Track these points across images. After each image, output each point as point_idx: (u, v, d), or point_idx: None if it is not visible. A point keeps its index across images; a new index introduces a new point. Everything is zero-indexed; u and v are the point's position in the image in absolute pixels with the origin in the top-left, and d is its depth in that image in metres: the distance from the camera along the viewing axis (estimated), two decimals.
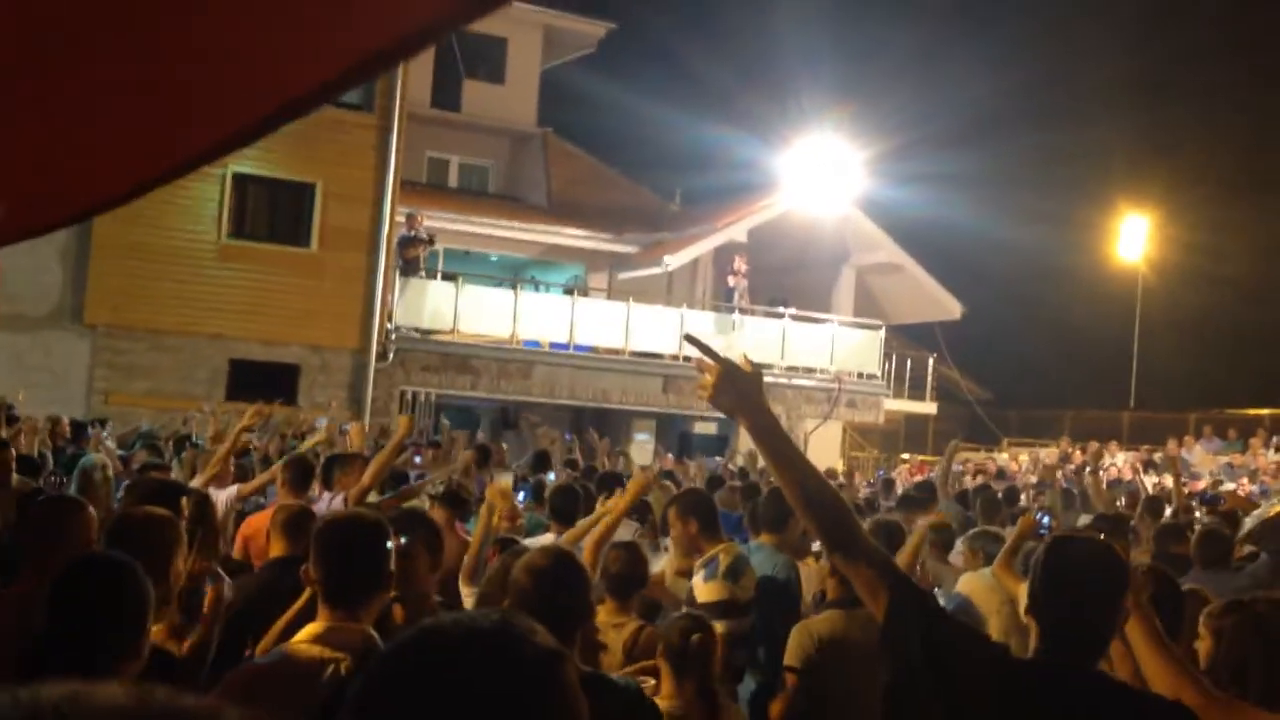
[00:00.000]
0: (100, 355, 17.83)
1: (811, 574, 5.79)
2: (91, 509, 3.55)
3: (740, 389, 2.48)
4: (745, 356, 2.56)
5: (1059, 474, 14.66)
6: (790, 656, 4.59)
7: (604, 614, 4.35)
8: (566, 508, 6.11)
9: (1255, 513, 6.13)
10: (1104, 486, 13.02)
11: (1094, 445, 22.81)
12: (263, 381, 18.32)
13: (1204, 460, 21.41)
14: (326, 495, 6.59)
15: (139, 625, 2.55)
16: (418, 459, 10.39)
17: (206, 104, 1.32)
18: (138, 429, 13.60)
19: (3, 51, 1.24)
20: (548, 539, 5.70)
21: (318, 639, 2.81)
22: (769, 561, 5.37)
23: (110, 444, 10.59)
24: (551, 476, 7.93)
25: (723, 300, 23.41)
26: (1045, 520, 8.16)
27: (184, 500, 4.29)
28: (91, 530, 3.46)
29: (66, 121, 1.39)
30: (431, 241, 20.52)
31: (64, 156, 1.47)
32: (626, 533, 6.52)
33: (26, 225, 1.77)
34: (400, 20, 1.11)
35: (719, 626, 4.44)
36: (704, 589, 4.80)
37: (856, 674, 4.22)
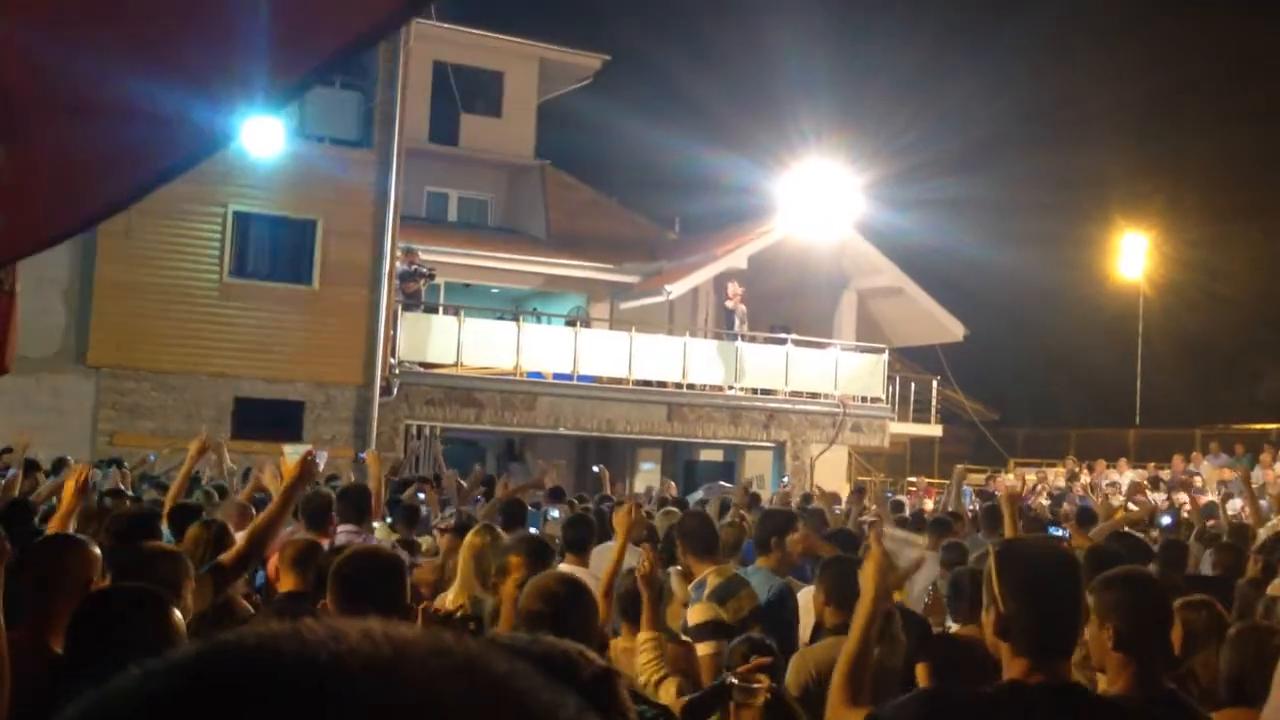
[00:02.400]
0: (105, 396, 17.84)
1: (809, 601, 5.77)
2: (92, 546, 3.49)
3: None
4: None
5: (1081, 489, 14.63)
6: (789, 685, 4.57)
7: (624, 641, 4.37)
8: (581, 538, 6.09)
9: (1270, 523, 6.13)
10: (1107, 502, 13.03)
11: (1100, 464, 22.80)
12: (268, 419, 18.32)
13: (1211, 476, 21.36)
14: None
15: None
16: (420, 495, 10.36)
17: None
18: (145, 460, 13.61)
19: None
20: (562, 570, 5.70)
21: None
22: (764, 584, 5.39)
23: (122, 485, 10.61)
24: (555, 514, 7.92)
25: (724, 327, 23.43)
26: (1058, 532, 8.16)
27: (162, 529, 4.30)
28: (93, 568, 3.40)
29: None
30: (431, 275, 20.57)
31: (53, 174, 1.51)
32: (631, 559, 6.52)
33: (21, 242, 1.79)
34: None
35: (703, 648, 4.44)
36: (692, 611, 4.86)
37: None
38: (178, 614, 2.59)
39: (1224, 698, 3.52)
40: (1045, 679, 2.42)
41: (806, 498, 16.36)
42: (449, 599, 4.99)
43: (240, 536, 4.34)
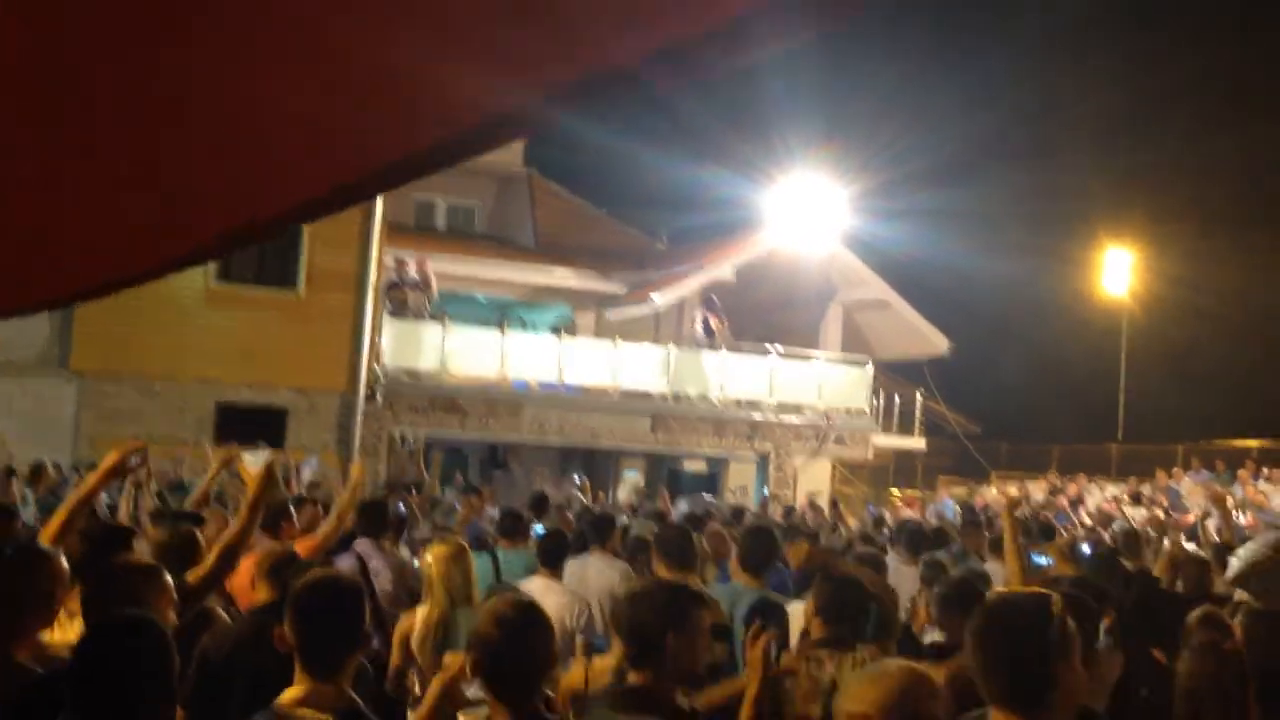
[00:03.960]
0: (87, 400, 17.77)
1: (797, 614, 5.78)
2: (60, 559, 3.47)
3: None
4: None
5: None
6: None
7: (617, 654, 4.39)
8: (556, 552, 6.10)
9: (1243, 552, 6.11)
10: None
11: (1081, 480, 22.87)
12: (251, 425, 18.26)
13: (1193, 492, 21.45)
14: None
15: (169, 688, 2.54)
16: (400, 505, 10.35)
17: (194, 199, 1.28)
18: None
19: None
20: (536, 584, 5.70)
21: (299, 703, 2.81)
22: (743, 598, 5.39)
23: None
24: (539, 529, 7.91)
25: (704, 341, 23.47)
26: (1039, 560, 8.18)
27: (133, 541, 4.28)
28: (57, 582, 3.39)
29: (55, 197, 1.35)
30: (428, 286, 20.57)
31: (47, 234, 1.42)
32: (615, 573, 6.54)
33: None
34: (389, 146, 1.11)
35: None
36: None
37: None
38: (172, 646, 2.60)
39: None
40: None
41: (789, 510, 16.39)
42: (419, 615, 4.99)
43: (209, 553, 4.33)
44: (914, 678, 2.60)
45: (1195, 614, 4.72)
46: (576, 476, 16.00)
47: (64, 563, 3.45)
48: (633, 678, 3.26)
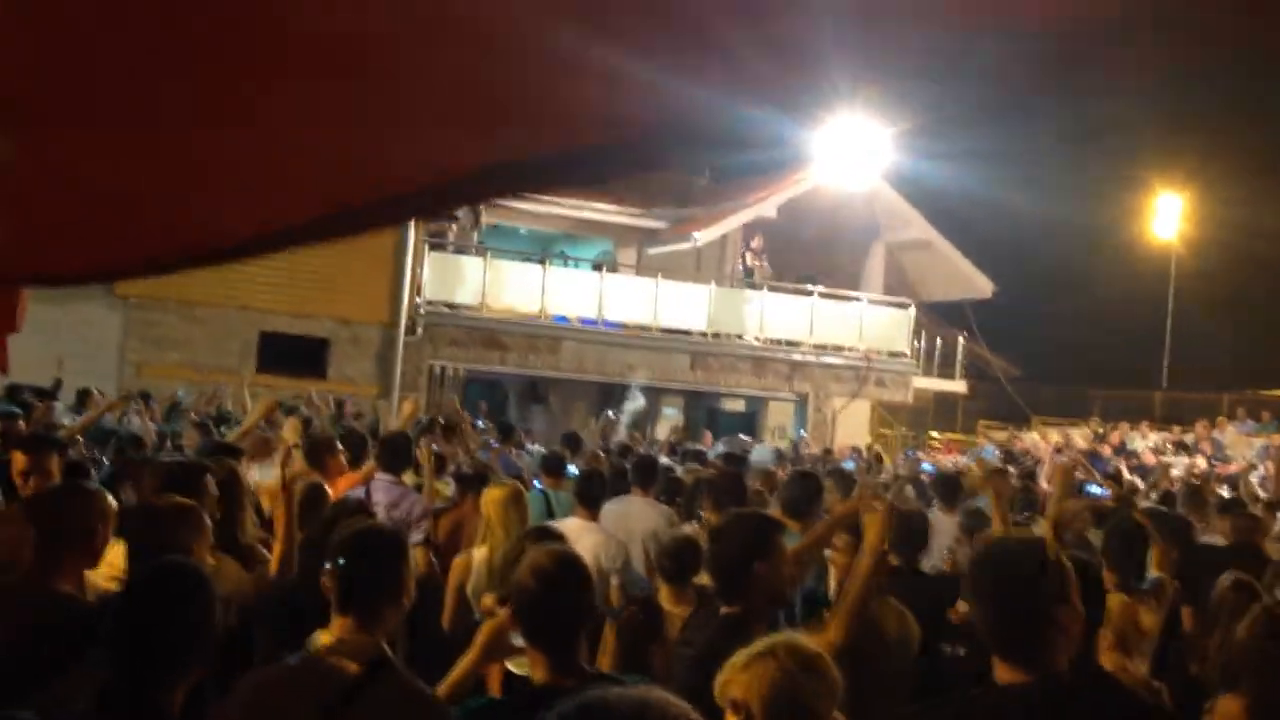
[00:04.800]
0: (133, 327, 17.95)
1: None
2: (104, 497, 3.51)
3: None
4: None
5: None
6: None
7: (664, 598, 4.43)
8: (593, 493, 6.09)
9: None
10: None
11: (1124, 427, 22.67)
12: (293, 354, 18.43)
13: (1237, 443, 21.22)
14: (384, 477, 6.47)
15: (205, 636, 2.56)
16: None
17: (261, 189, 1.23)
18: (174, 399, 13.70)
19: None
20: (573, 525, 5.71)
21: (330, 648, 2.82)
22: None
23: (138, 420, 10.67)
24: (572, 470, 7.93)
25: (744, 279, 23.34)
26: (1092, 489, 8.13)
27: (208, 481, 4.29)
28: (97, 518, 3.41)
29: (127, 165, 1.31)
30: (474, 219, 20.56)
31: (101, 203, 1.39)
32: (658, 515, 6.54)
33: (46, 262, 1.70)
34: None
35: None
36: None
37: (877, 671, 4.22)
38: (214, 594, 2.61)
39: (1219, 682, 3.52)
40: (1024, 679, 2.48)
41: (826, 452, 16.37)
42: (477, 558, 5.00)
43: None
44: (801, 664, 2.46)
45: (1226, 580, 4.66)
46: (610, 413, 15.99)
47: (108, 500, 3.49)
48: (725, 609, 3.40)
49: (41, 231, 1.41)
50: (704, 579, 4.94)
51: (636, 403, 18.66)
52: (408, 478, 6.75)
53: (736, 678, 2.46)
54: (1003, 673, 2.52)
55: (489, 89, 0.98)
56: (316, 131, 1.07)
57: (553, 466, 7.78)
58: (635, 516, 6.48)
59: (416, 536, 5.87)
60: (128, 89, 1.12)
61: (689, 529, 5.76)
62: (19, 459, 4.84)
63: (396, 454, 6.52)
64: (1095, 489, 9.18)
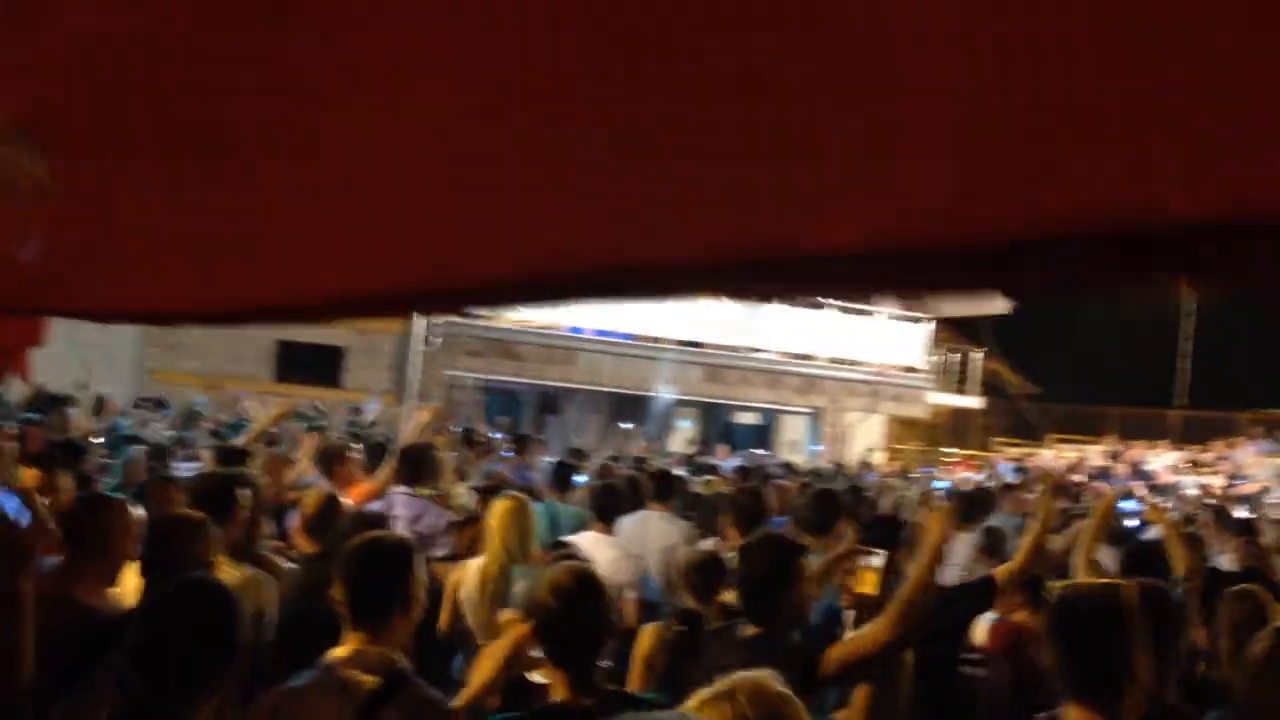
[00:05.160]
0: (150, 333, 17.99)
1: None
2: (126, 510, 3.52)
3: None
4: None
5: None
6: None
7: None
8: (609, 506, 6.07)
9: None
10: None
11: (1139, 446, 22.56)
12: (309, 363, 18.48)
13: (1255, 463, 21.10)
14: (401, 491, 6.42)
15: (234, 651, 2.54)
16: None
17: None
18: (190, 407, 13.74)
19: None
20: (588, 539, 5.68)
21: (345, 661, 2.82)
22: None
23: (157, 426, 10.70)
24: (581, 479, 7.88)
25: None
26: (1131, 504, 8.09)
27: (239, 494, 4.28)
28: (120, 530, 3.43)
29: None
30: None
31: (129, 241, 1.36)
32: (676, 531, 6.51)
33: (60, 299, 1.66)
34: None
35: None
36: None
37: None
38: (240, 609, 2.59)
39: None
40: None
41: (837, 466, 16.33)
42: (472, 567, 4.99)
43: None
44: (763, 710, 2.12)
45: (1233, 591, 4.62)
46: (623, 425, 16.00)
47: (132, 513, 3.49)
48: (749, 629, 3.50)
49: (74, 264, 1.39)
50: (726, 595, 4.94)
51: (680, 427, 18.56)
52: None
53: (697, 714, 2.14)
54: (1075, 714, 2.59)
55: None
56: (411, 195, 0.99)
57: (559, 479, 7.74)
58: (653, 531, 6.45)
59: (440, 550, 5.85)
60: (184, 125, 1.10)
61: (710, 545, 5.74)
62: (29, 475, 4.87)
63: (416, 466, 6.47)
64: (1130, 504, 9.13)
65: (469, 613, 4.89)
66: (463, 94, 0.86)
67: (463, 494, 7.33)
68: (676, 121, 0.76)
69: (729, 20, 0.72)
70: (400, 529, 5.61)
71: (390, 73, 0.89)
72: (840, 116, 0.72)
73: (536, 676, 3.44)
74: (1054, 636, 2.65)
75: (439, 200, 0.90)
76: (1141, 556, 5.21)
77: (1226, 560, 7.16)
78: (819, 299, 22.76)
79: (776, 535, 3.98)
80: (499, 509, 5.00)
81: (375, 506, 6.04)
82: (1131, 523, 8.43)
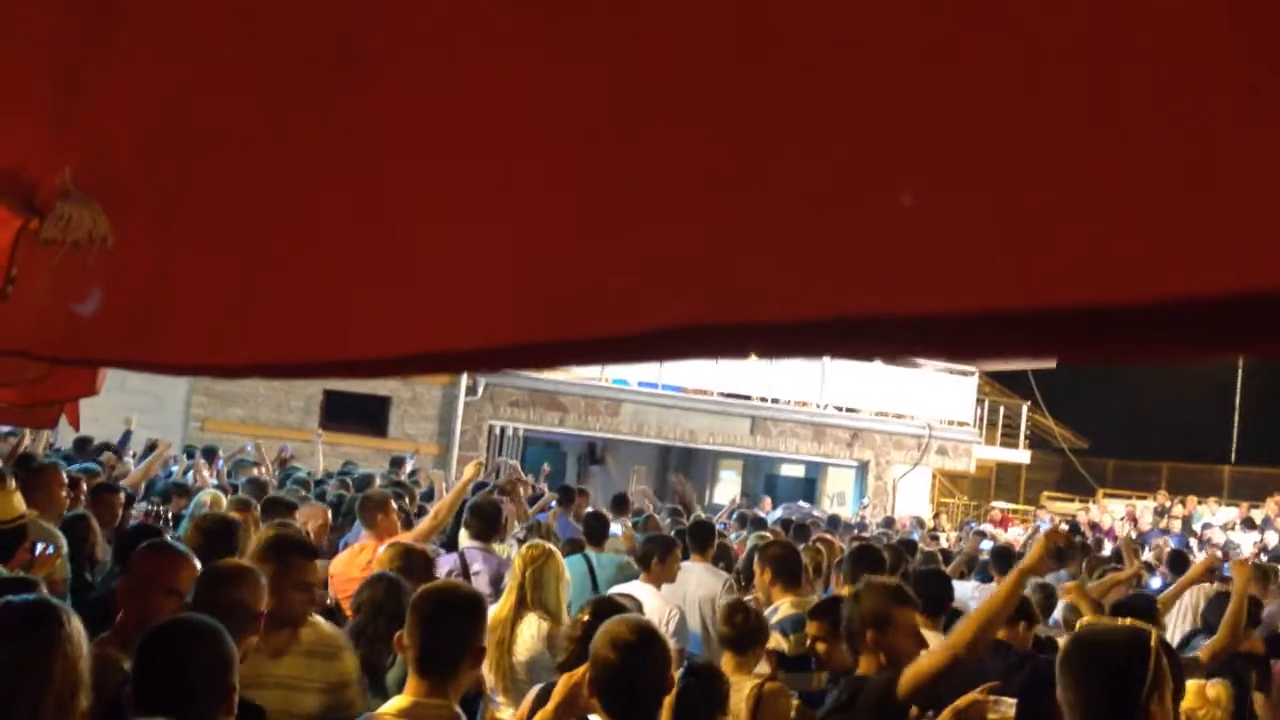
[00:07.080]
0: (199, 382, 18.18)
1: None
2: (195, 561, 3.50)
3: None
4: None
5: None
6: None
7: (727, 668, 4.36)
8: (653, 555, 6.05)
9: None
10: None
11: (1191, 502, 22.19)
12: (355, 412, 18.60)
13: None
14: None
15: (222, 686, 2.53)
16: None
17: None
18: (243, 451, 13.79)
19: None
20: (636, 588, 5.66)
21: (404, 713, 2.81)
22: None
23: (205, 474, 10.78)
24: (616, 530, 7.85)
25: None
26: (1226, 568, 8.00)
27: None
28: (184, 580, 3.42)
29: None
30: None
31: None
32: (716, 582, 6.48)
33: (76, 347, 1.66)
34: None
35: (752, 679, 4.43)
36: None
37: None
38: (229, 647, 2.58)
39: None
40: None
41: (887, 521, 16.18)
42: (490, 611, 4.99)
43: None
44: None
45: None
46: (673, 477, 15.97)
47: (196, 563, 3.47)
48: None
49: (133, 317, 1.40)
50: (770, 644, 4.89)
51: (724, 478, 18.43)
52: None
53: None
54: None
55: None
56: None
57: (594, 530, 7.72)
58: (693, 582, 6.44)
59: None
60: (244, 179, 1.12)
61: (748, 598, 5.70)
62: None
63: (488, 521, 6.48)
64: (1156, 582, 9.06)
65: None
66: (530, 158, 0.86)
67: (510, 547, 7.34)
68: (762, 180, 0.74)
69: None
70: (481, 585, 5.64)
71: (460, 133, 0.90)
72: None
73: None
74: (1068, 674, 2.55)
75: (506, 263, 0.90)
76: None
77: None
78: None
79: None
80: (522, 555, 5.03)
81: (446, 561, 6.08)
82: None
